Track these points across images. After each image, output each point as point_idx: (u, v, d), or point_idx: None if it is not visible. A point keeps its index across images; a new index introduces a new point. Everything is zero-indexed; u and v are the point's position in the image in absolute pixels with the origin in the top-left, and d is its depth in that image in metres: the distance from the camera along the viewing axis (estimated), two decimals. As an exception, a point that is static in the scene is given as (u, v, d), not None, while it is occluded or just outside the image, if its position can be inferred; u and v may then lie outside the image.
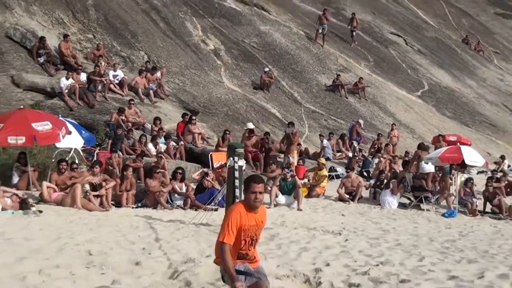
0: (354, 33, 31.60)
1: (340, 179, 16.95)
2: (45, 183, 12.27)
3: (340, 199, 15.32)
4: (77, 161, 13.89)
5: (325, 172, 16.15)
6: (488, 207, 15.19)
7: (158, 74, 20.57)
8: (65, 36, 20.26)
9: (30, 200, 11.34)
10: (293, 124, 18.74)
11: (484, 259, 8.47)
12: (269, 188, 13.94)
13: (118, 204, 12.64)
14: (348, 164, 18.50)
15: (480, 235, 11.44)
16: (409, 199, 15.54)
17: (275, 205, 13.64)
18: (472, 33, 44.95)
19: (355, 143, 21.21)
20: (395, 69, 32.10)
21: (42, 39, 19.41)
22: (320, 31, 29.61)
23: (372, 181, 16.69)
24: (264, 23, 29.27)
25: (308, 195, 15.34)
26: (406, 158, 19.48)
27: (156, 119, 17.68)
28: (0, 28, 19.88)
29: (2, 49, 19.24)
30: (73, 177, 12.49)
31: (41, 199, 12.04)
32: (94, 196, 12.12)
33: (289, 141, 18.11)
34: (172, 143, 16.77)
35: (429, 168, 15.99)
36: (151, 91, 19.84)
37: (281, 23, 30.18)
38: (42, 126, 12.16)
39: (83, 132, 14.81)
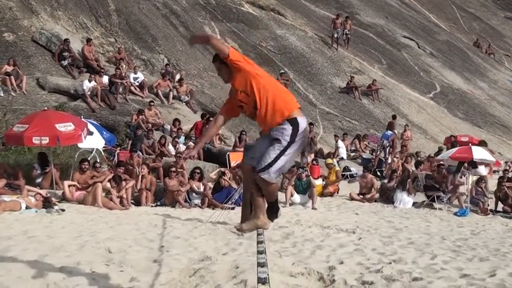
0: (348, 36, 30.87)
1: (355, 178, 17.20)
2: (66, 182, 12.43)
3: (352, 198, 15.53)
4: (98, 161, 14.01)
5: (336, 167, 16.39)
6: (500, 206, 15.21)
7: (178, 77, 20.75)
8: (88, 40, 20.53)
9: (53, 199, 11.46)
10: (312, 124, 19.03)
11: (495, 257, 8.45)
12: (285, 187, 14.22)
13: (137, 203, 12.79)
14: (365, 164, 18.60)
15: (491, 234, 11.46)
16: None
17: (290, 204, 13.79)
18: (483, 36, 44.84)
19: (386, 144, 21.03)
20: (408, 71, 32.10)
21: (66, 40, 19.66)
22: (335, 35, 29.82)
23: (385, 181, 16.77)
24: (280, 27, 29.43)
25: (322, 194, 15.52)
26: (419, 158, 19.61)
27: (175, 121, 17.91)
28: (26, 32, 20.22)
29: (29, 53, 19.59)
30: (94, 176, 12.62)
31: (63, 198, 12.18)
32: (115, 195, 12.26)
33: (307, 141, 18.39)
34: (191, 143, 16.88)
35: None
36: (170, 93, 20.00)
37: (297, 27, 30.30)
38: (65, 127, 12.31)
39: (104, 132, 14.97)
